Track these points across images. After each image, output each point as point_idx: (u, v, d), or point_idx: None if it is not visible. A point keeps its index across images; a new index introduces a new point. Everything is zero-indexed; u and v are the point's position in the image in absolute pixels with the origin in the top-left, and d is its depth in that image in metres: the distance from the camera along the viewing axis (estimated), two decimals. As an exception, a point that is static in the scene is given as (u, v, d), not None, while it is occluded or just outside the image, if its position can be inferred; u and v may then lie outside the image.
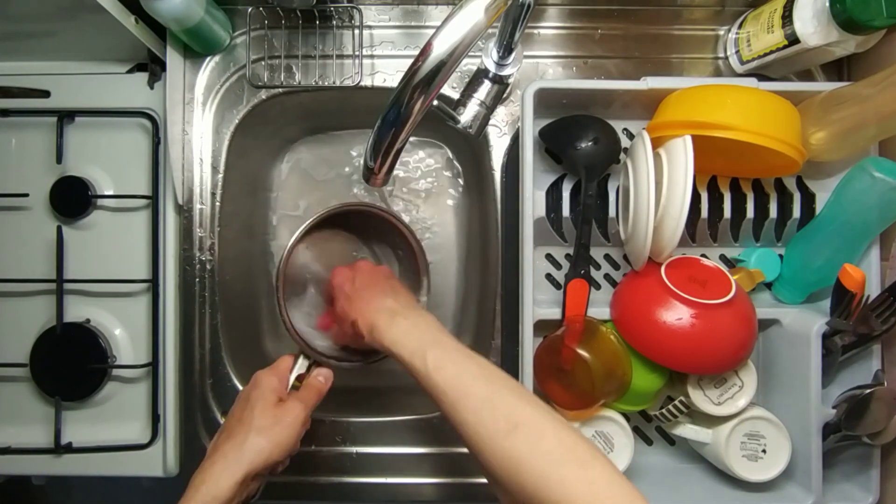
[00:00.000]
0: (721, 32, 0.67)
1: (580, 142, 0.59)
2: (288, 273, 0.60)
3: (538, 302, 0.61)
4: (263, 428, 0.50)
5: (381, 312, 0.51)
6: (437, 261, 0.77)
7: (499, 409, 0.42)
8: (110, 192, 0.67)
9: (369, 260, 0.59)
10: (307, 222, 0.59)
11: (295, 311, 0.61)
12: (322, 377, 0.57)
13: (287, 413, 0.51)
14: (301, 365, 0.58)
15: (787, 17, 0.57)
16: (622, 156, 0.61)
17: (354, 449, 0.66)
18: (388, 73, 0.67)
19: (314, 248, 0.64)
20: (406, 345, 0.48)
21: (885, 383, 0.57)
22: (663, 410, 0.58)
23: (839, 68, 0.65)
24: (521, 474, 0.40)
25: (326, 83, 0.67)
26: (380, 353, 0.57)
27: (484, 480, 0.65)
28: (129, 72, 0.67)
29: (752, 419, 0.58)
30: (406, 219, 0.74)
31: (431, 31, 0.41)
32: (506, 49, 0.59)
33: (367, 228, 0.66)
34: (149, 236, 0.66)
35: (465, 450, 0.65)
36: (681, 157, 0.52)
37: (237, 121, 0.67)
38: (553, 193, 0.63)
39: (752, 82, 0.58)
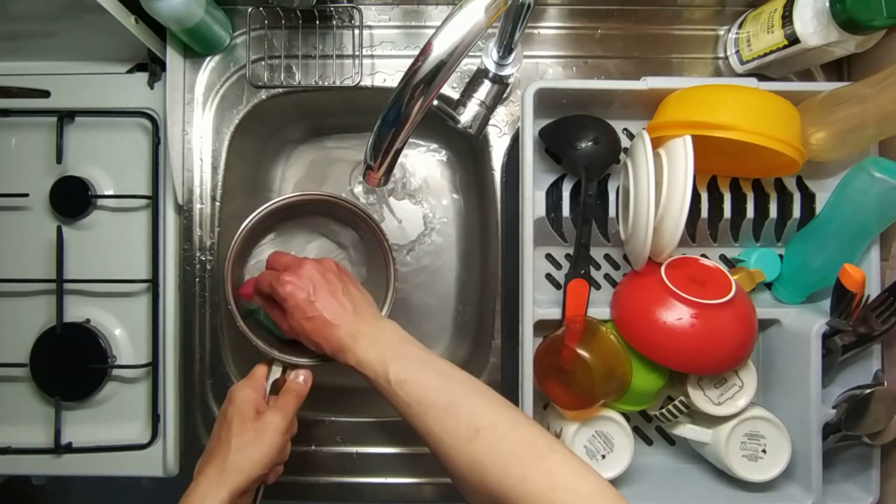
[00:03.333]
0: (721, 32, 0.67)
1: (580, 142, 0.59)
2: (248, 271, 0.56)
3: (538, 302, 0.61)
4: (242, 445, 0.48)
5: (342, 335, 0.50)
6: (436, 261, 0.77)
7: (460, 417, 0.44)
8: (110, 192, 0.67)
9: (311, 259, 0.54)
10: (260, 210, 0.55)
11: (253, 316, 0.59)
12: (301, 378, 0.55)
13: (266, 426, 0.50)
14: (276, 370, 0.55)
15: (787, 17, 0.57)
16: (622, 156, 0.61)
17: (354, 449, 0.66)
18: (388, 73, 0.67)
19: (279, 241, 0.61)
20: (370, 364, 0.48)
21: (885, 383, 0.57)
22: (663, 410, 0.58)
23: (839, 68, 0.65)
24: (486, 477, 0.41)
25: (326, 83, 0.67)
26: None
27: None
28: (129, 72, 0.67)
29: (752, 419, 0.58)
30: (405, 219, 0.74)
31: (431, 31, 0.41)
32: (506, 49, 0.59)
33: (331, 221, 0.65)
34: (149, 236, 0.66)
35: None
36: (681, 157, 0.52)
37: (237, 121, 0.67)
38: (553, 193, 0.63)
39: (752, 82, 0.58)
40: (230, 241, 0.61)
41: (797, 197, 0.62)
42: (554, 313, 0.60)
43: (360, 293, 0.54)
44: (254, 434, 0.49)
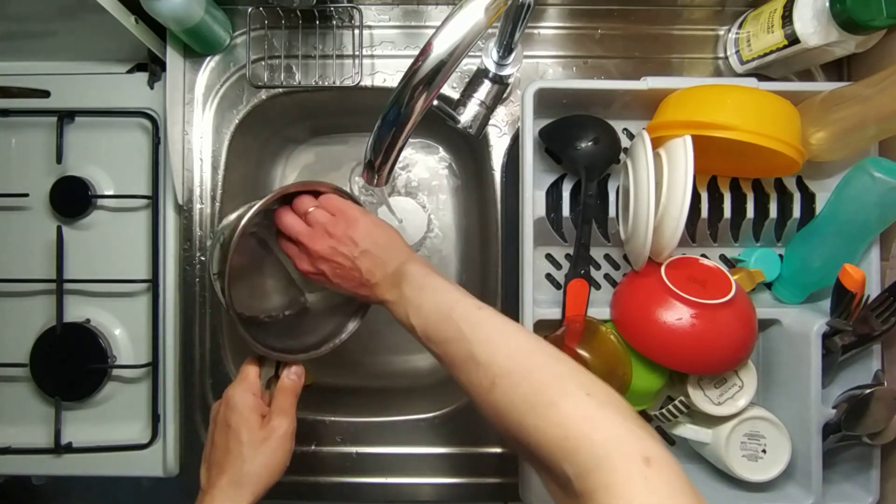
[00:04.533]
0: (721, 32, 0.67)
1: (580, 142, 0.59)
2: (234, 264, 0.51)
3: (538, 302, 0.61)
4: (256, 454, 0.48)
5: (378, 279, 0.50)
6: (436, 261, 0.77)
7: (480, 366, 0.43)
8: (110, 192, 0.67)
9: (345, 202, 0.52)
10: (256, 205, 0.51)
11: (244, 309, 0.57)
12: (294, 375, 0.54)
13: (275, 431, 0.49)
14: (268, 369, 0.54)
15: (787, 17, 0.57)
16: (622, 156, 0.61)
17: (354, 449, 0.66)
18: (388, 73, 0.67)
19: (264, 233, 0.59)
20: (404, 308, 0.48)
21: (885, 383, 0.57)
22: (663, 410, 0.58)
23: (839, 68, 0.65)
24: (506, 425, 0.41)
25: (326, 83, 0.67)
26: (343, 332, 0.57)
27: (484, 480, 0.65)
28: (129, 72, 0.67)
29: (752, 419, 0.58)
30: (405, 219, 0.74)
31: (431, 31, 0.41)
32: (506, 49, 0.59)
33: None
34: (149, 236, 0.66)
35: (465, 450, 0.66)
36: (681, 157, 0.52)
37: (237, 121, 0.67)
38: (553, 193, 0.63)
39: (752, 82, 0.58)
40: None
41: (797, 197, 0.62)
42: (554, 313, 0.60)
43: (387, 234, 0.52)
44: (265, 442, 0.49)
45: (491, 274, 0.68)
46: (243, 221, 0.49)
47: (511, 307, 0.64)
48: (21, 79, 0.66)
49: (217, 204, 0.67)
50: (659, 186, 0.53)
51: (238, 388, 0.52)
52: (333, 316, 0.59)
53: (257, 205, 0.51)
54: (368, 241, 0.51)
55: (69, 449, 0.64)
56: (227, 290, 0.50)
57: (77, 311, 0.66)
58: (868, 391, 0.56)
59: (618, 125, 0.62)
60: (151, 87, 0.66)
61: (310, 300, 0.62)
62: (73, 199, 0.65)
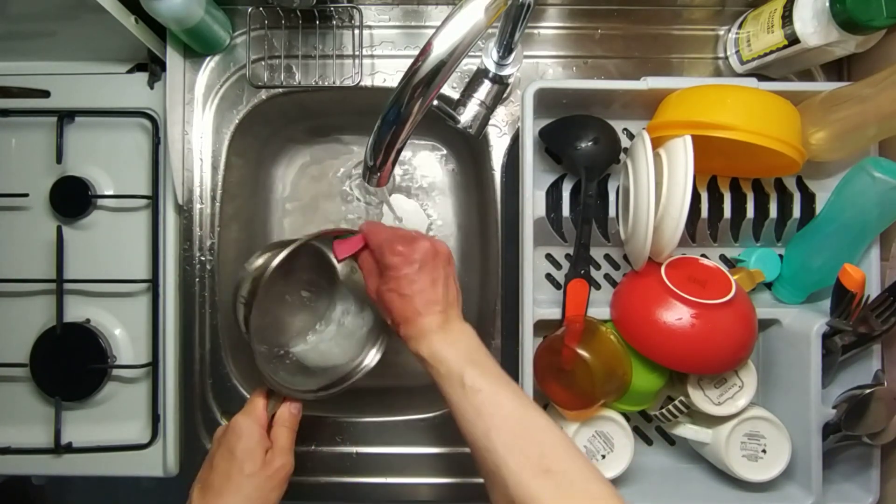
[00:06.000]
0: (721, 32, 0.67)
1: (580, 142, 0.59)
2: (260, 298, 0.52)
3: (538, 302, 0.61)
4: (255, 489, 0.49)
5: (426, 323, 0.49)
6: (437, 261, 0.77)
7: (531, 447, 0.42)
8: (110, 192, 0.67)
9: (428, 238, 0.52)
10: (278, 257, 0.52)
11: (260, 345, 0.58)
12: (295, 409, 0.55)
13: (277, 471, 0.50)
14: (275, 403, 0.54)
15: (787, 17, 0.57)
16: (622, 156, 0.61)
17: (354, 449, 0.66)
18: (388, 73, 0.67)
19: (289, 272, 0.60)
20: (445, 361, 0.47)
21: (885, 383, 0.57)
22: (663, 410, 0.58)
23: (839, 68, 0.65)
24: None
25: (326, 83, 0.67)
26: (349, 379, 0.59)
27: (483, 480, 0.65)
28: (129, 72, 0.67)
29: (752, 419, 0.58)
30: (405, 219, 0.74)
31: (431, 31, 0.41)
32: (506, 49, 0.59)
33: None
34: (149, 236, 0.66)
35: (465, 450, 0.65)
36: (681, 157, 0.52)
37: (237, 121, 0.67)
38: (553, 193, 0.63)
39: (752, 82, 0.58)
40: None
41: (797, 197, 0.62)
42: (554, 313, 0.60)
43: (455, 290, 0.52)
44: (266, 478, 0.50)
45: (491, 274, 0.68)
46: (279, 257, 0.51)
47: (511, 307, 0.64)
48: (21, 79, 0.66)
49: (217, 204, 0.67)
50: (659, 186, 0.53)
51: (247, 418, 0.52)
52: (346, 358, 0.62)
53: (296, 243, 0.52)
54: (450, 288, 0.51)
55: (69, 449, 0.64)
56: (250, 321, 0.52)
57: (77, 311, 0.66)
58: (868, 391, 0.56)
59: (618, 125, 0.62)
60: (151, 87, 0.66)
61: (324, 342, 0.64)
62: (73, 199, 0.65)
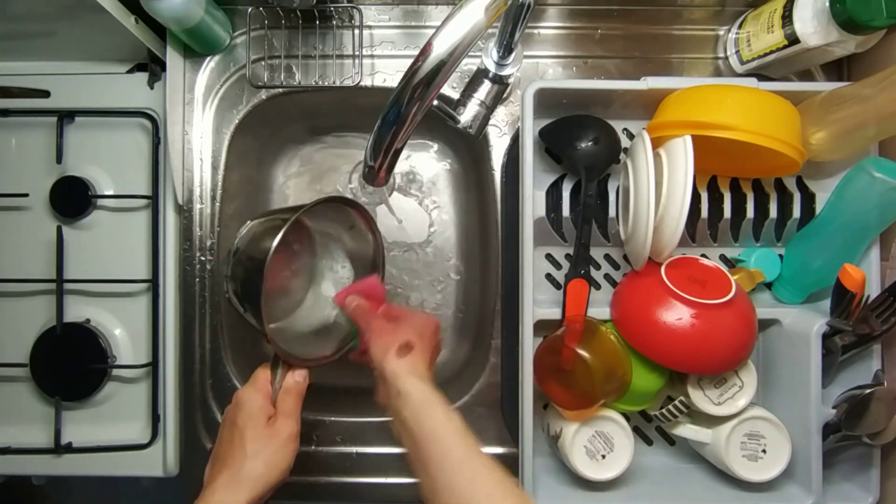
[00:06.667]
0: (721, 32, 0.67)
1: (580, 142, 0.59)
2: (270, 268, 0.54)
3: (538, 302, 0.61)
4: (258, 452, 0.48)
5: (410, 376, 0.50)
6: (436, 261, 0.77)
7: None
8: (110, 192, 0.67)
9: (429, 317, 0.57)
10: (283, 229, 0.53)
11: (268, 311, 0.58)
12: (299, 377, 0.54)
13: (279, 432, 0.50)
14: (280, 374, 0.55)
15: (787, 17, 0.57)
16: (622, 156, 0.61)
17: (354, 449, 0.66)
18: (388, 73, 0.67)
19: (296, 240, 0.63)
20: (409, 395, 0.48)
21: (885, 383, 0.57)
22: (663, 410, 0.58)
23: (839, 68, 0.65)
24: None
25: (326, 83, 0.67)
26: (350, 341, 0.60)
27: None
28: (129, 72, 0.67)
29: (752, 419, 0.58)
30: (405, 219, 0.74)
31: (431, 31, 0.41)
32: (506, 49, 0.59)
33: (324, 218, 0.64)
34: (149, 236, 0.66)
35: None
36: (681, 157, 0.52)
37: (237, 121, 0.67)
38: (553, 193, 0.63)
39: (752, 82, 0.58)
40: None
41: (797, 197, 0.62)
42: (554, 313, 0.60)
43: (431, 364, 0.54)
44: (269, 441, 0.49)
45: (491, 274, 0.68)
46: (276, 241, 0.52)
47: (511, 307, 0.64)
48: (21, 79, 0.66)
49: (217, 204, 0.67)
50: (659, 186, 0.53)
51: (247, 388, 0.53)
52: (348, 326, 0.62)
53: (287, 224, 0.53)
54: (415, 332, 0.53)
55: (69, 449, 0.64)
56: (262, 292, 0.52)
57: (77, 311, 0.66)
58: (868, 391, 0.56)
59: (618, 125, 0.62)
60: (151, 87, 0.66)
61: (332, 312, 0.64)
62: (73, 199, 0.65)
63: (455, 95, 0.65)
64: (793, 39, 0.57)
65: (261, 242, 0.54)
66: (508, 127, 0.67)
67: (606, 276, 0.64)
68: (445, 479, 0.44)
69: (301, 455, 0.57)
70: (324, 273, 0.66)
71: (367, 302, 0.59)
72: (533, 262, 0.58)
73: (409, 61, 0.42)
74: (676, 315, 0.54)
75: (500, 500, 0.43)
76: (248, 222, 0.58)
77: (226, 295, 0.56)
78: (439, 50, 0.41)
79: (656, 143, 0.55)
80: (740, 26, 0.64)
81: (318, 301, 0.65)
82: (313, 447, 0.66)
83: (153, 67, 0.66)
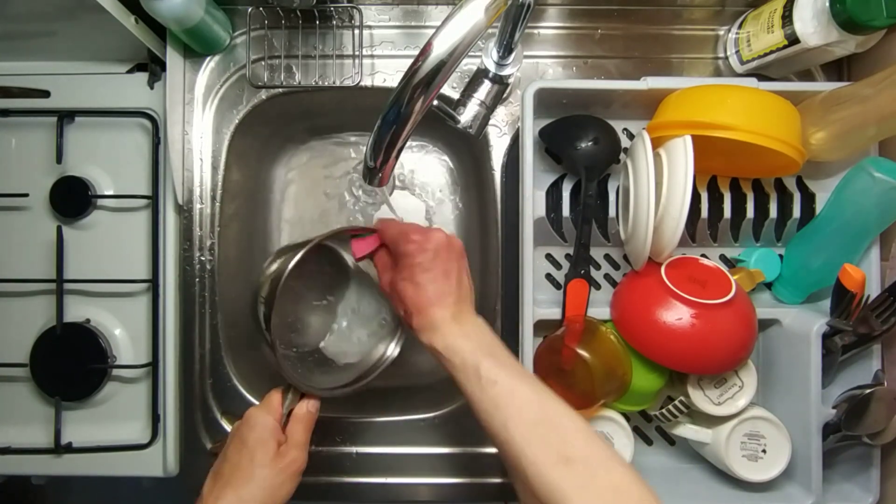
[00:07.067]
0: (721, 32, 0.67)
1: (580, 142, 0.59)
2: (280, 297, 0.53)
3: (538, 302, 0.61)
4: (265, 479, 0.48)
5: (439, 314, 0.48)
6: (437, 261, 0.77)
7: (551, 437, 0.42)
8: (110, 192, 0.67)
9: (442, 232, 0.52)
10: (295, 258, 0.52)
11: (279, 341, 0.57)
12: (312, 406, 0.54)
13: (289, 464, 0.50)
14: (292, 399, 0.54)
15: (787, 17, 0.57)
16: (622, 156, 0.61)
17: (354, 449, 0.66)
18: (388, 73, 0.67)
19: (307, 273, 0.61)
20: (459, 352, 0.46)
21: (885, 383, 0.57)
22: (663, 410, 0.58)
23: (839, 68, 0.65)
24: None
25: (326, 83, 0.67)
26: (368, 376, 0.59)
27: (484, 480, 0.65)
28: (129, 72, 0.67)
29: (752, 419, 0.58)
30: (405, 218, 0.74)
31: (431, 31, 0.41)
32: (506, 49, 0.59)
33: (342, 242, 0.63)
34: (149, 236, 0.66)
35: (465, 450, 0.66)
36: (681, 157, 0.52)
37: (237, 121, 0.67)
38: (553, 193, 0.63)
39: (752, 82, 0.58)
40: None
41: (797, 197, 0.62)
42: (554, 313, 0.60)
43: (468, 284, 0.52)
44: (277, 470, 0.49)
45: (491, 274, 0.68)
46: (296, 257, 0.51)
47: (511, 307, 0.64)
48: (21, 79, 0.66)
49: (217, 204, 0.67)
50: (659, 186, 0.53)
51: (262, 410, 0.52)
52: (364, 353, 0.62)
53: (312, 243, 0.53)
54: (462, 282, 0.52)
55: (69, 449, 0.64)
56: (270, 318, 0.52)
57: (77, 311, 0.66)
58: (868, 391, 0.56)
59: (618, 125, 0.62)
60: (151, 87, 0.66)
61: (342, 338, 0.64)
62: (73, 199, 0.65)
63: (455, 95, 0.65)
64: (793, 39, 0.57)
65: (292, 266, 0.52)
66: (508, 127, 0.67)
67: (606, 276, 0.64)
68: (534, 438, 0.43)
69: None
70: (350, 311, 0.65)
71: (387, 257, 0.56)
72: (533, 262, 0.58)
73: (409, 61, 0.42)
74: (676, 315, 0.54)
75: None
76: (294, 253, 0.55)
77: (257, 315, 0.55)
78: (439, 50, 0.41)
79: (656, 143, 0.55)
80: (740, 26, 0.64)
81: (341, 334, 0.65)
82: (313, 447, 0.66)
83: (153, 67, 0.66)
